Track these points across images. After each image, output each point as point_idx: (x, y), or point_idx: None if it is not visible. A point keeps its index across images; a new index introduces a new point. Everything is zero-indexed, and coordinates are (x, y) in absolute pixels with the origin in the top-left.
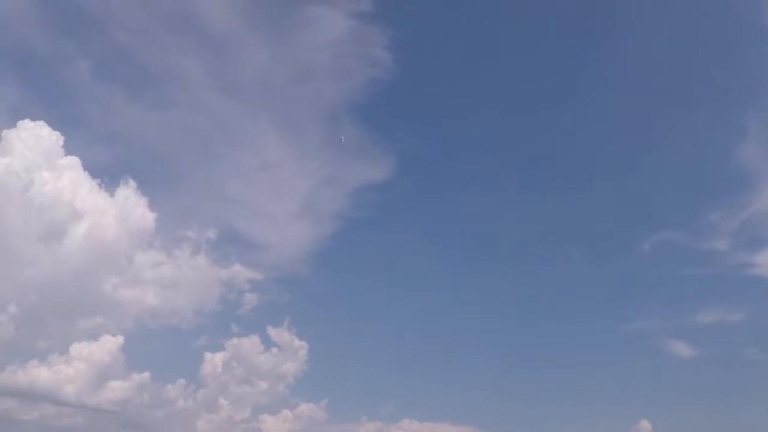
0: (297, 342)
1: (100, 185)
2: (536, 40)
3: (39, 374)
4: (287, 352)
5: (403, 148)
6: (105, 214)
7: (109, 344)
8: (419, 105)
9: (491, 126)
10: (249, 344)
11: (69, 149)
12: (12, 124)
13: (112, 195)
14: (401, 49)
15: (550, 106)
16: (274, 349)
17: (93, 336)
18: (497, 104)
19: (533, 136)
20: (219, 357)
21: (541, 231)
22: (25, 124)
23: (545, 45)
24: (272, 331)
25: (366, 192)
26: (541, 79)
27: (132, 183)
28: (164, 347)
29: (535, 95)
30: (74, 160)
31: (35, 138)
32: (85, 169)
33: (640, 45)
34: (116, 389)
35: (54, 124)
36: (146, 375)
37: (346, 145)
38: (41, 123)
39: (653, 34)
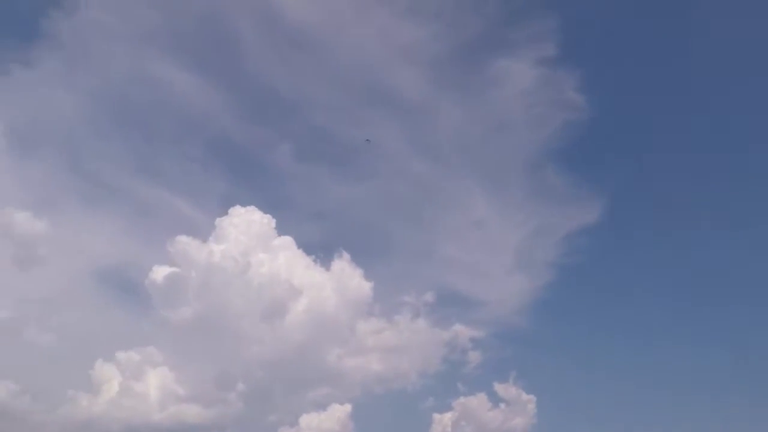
0: (524, 396)
1: (315, 261)
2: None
3: None
4: (515, 406)
5: (610, 187)
6: (323, 288)
7: (338, 413)
8: (620, 142)
9: (701, 150)
10: (476, 402)
11: (281, 230)
12: (224, 211)
13: (327, 269)
14: (593, 89)
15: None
16: (502, 405)
17: (321, 406)
18: (701, 129)
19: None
20: (447, 417)
21: None
22: (237, 211)
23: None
24: (498, 387)
25: (577, 237)
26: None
27: (346, 255)
28: (392, 412)
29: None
30: (288, 240)
31: (248, 223)
32: (299, 247)
33: None
34: None
35: (264, 208)
36: None
37: (553, 190)
38: (252, 208)
39: None
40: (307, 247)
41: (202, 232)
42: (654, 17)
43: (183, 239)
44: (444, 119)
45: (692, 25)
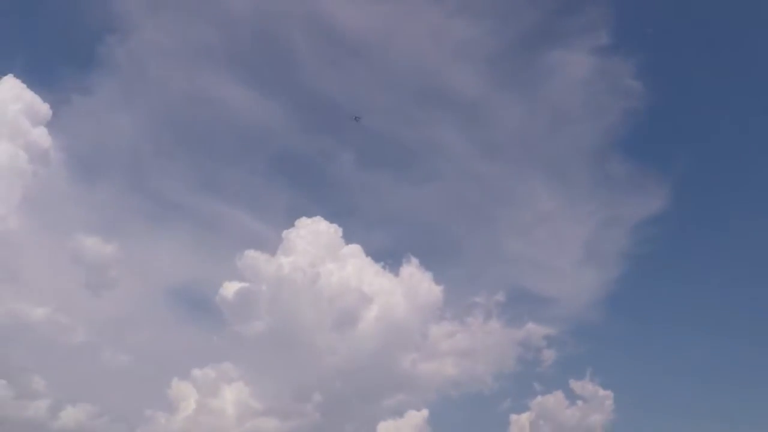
0: (602, 392)
1: (383, 267)
2: None
3: None
4: (593, 403)
5: (675, 173)
6: (393, 294)
7: (415, 419)
8: (681, 127)
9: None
10: (553, 401)
11: (348, 238)
12: (290, 223)
13: (396, 275)
14: (650, 75)
15: None
16: (579, 402)
17: (398, 413)
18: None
19: None
20: (525, 417)
21: None
22: (303, 222)
23: None
24: (575, 384)
25: (646, 226)
26: None
27: (414, 260)
28: (469, 415)
29: None
30: (355, 248)
31: (314, 233)
32: (367, 255)
33: None
34: None
35: (330, 217)
36: None
37: (617, 180)
38: (318, 218)
39: None
40: (375, 254)
41: (270, 246)
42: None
43: (251, 254)
44: (503, 115)
45: (748, 10)
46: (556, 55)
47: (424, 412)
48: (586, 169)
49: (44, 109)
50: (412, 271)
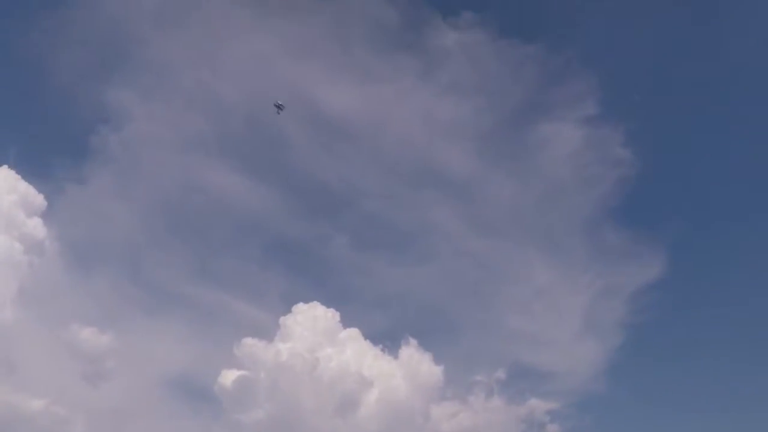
0: None
1: (383, 350)
2: None
3: None
4: None
5: (670, 239)
6: (393, 376)
7: None
8: (674, 192)
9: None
10: None
11: (346, 322)
12: (287, 309)
13: (396, 357)
14: (639, 142)
15: None
16: None
17: None
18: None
19: None
20: None
21: None
22: (300, 308)
23: None
24: None
25: (644, 294)
26: None
27: (413, 341)
28: None
29: None
30: (354, 332)
31: (312, 319)
32: (365, 338)
33: None
34: None
35: (327, 302)
36: None
37: (613, 249)
38: (315, 303)
39: None
40: (374, 336)
41: (268, 333)
42: (694, 63)
43: (249, 341)
44: (495, 191)
45: (732, 69)
46: (545, 127)
47: None
48: (580, 240)
49: (39, 199)
50: (411, 352)
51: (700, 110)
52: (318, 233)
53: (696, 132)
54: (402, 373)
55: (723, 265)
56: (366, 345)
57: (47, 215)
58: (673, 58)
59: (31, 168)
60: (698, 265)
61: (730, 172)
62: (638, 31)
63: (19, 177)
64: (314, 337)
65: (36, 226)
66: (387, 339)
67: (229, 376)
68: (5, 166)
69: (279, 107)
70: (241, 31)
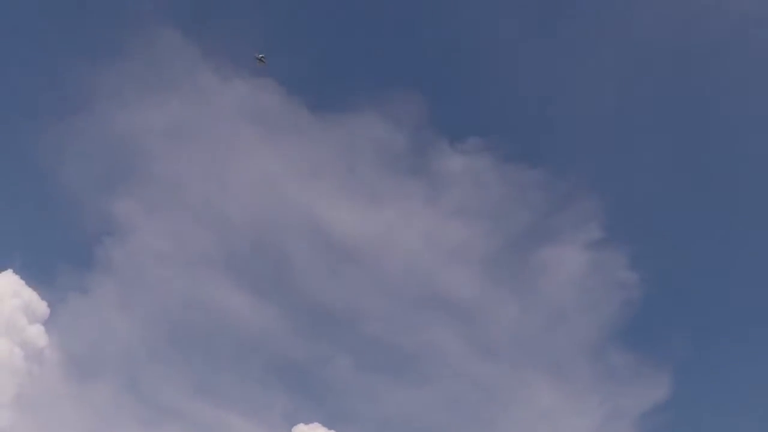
0: None
1: None
2: None
3: None
4: None
5: (677, 360)
6: None
7: None
8: (680, 313)
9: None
10: None
11: None
12: (287, 430)
13: None
14: (644, 264)
15: None
16: None
17: None
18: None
19: None
20: None
21: None
22: (300, 428)
23: None
24: None
25: (651, 416)
26: None
27: None
28: None
29: None
30: None
31: None
32: None
33: None
34: None
35: (327, 423)
36: None
37: (618, 372)
38: (315, 424)
39: None
40: None
41: None
42: (699, 186)
43: None
44: (499, 315)
45: (738, 194)
46: (550, 251)
47: None
48: (585, 364)
49: (42, 306)
50: None
51: (706, 232)
52: (320, 354)
53: (700, 252)
54: None
55: (728, 384)
56: None
57: (49, 323)
58: (678, 182)
59: (35, 274)
60: (704, 385)
61: (733, 292)
62: (642, 155)
63: (23, 282)
64: None
65: (38, 334)
66: None
67: None
68: (10, 271)
69: (260, 59)
70: (250, 150)
